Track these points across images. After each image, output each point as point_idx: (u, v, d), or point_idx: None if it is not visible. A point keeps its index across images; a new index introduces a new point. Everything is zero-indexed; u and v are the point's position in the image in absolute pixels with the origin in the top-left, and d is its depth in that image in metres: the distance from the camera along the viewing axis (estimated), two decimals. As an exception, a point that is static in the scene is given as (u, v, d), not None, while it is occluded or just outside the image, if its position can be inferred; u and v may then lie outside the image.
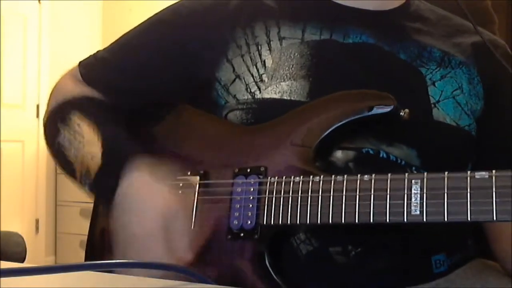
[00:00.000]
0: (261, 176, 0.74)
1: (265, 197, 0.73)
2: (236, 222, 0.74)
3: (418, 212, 0.64)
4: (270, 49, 0.84)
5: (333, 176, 0.69)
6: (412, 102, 0.75)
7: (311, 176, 0.71)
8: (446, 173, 0.64)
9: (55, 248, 4.13)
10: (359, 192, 0.67)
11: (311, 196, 0.70)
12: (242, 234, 0.74)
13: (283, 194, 0.72)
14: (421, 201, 0.64)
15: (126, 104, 0.92)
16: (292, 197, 0.71)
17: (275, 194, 0.72)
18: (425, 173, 0.65)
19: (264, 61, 0.83)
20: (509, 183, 0.60)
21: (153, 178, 0.78)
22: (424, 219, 0.64)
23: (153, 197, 0.77)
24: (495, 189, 0.61)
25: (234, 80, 0.84)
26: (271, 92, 0.81)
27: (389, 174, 0.67)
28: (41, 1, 4.04)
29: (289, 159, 0.75)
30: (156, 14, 0.93)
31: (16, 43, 3.86)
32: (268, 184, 0.73)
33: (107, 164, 0.80)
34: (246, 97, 0.82)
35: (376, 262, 0.77)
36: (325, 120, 0.75)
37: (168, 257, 0.73)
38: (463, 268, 0.83)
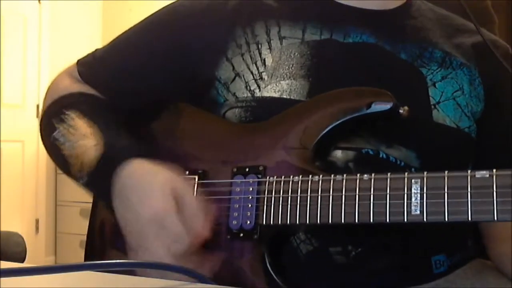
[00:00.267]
0: (260, 176, 0.74)
1: (264, 197, 0.73)
2: (235, 222, 0.74)
3: (418, 212, 0.64)
4: (270, 48, 0.84)
5: (332, 175, 0.69)
6: (412, 102, 0.74)
7: (310, 176, 0.70)
8: (446, 172, 0.63)
9: (55, 248, 4.13)
10: (358, 192, 0.67)
11: (310, 196, 0.70)
12: (241, 234, 0.74)
13: (282, 193, 0.72)
14: (421, 200, 0.64)
15: (125, 103, 0.91)
16: (292, 197, 0.71)
17: (274, 194, 0.72)
18: (425, 173, 0.65)
19: (264, 60, 0.83)
20: (510, 182, 0.60)
21: (154, 163, 0.77)
22: (425, 219, 0.63)
23: (158, 175, 0.75)
24: (496, 188, 0.61)
25: (234, 78, 0.84)
26: (270, 90, 0.81)
27: (389, 174, 0.66)
28: (41, 1, 4.04)
29: (288, 158, 0.75)
30: (155, 13, 0.93)
31: (16, 43, 3.86)
32: (267, 184, 0.73)
33: (103, 156, 0.79)
34: (245, 95, 0.82)
35: (376, 262, 0.77)
36: (323, 118, 0.75)
37: (185, 232, 0.71)
38: (463, 268, 0.83)
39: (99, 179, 0.79)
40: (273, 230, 0.73)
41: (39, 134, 0.92)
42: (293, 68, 0.82)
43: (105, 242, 0.90)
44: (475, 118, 0.85)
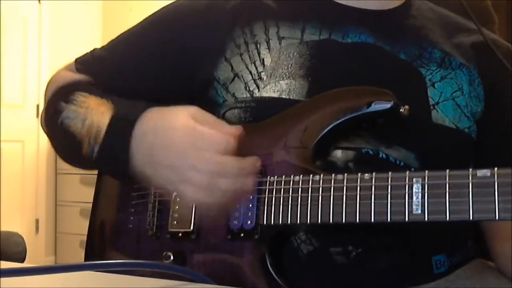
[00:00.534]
0: (260, 176, 0.74)
1: (265, 197, 0.73)
2: (236, 222, 0.74)
3: (419, 211, 0.63)
4: (269, 48, 0.83)
5: (333, 175, 0.69)
6: (411, 103, 0.74)
7: (311, 175, 0.70)
8: (447, 171, 0.63)
9: (55, 248, 4.13)
10: (359, 191, 0.67)
11: (311, 196, 0.69)
12: (242, 234, 0.74)
13: (283, 193, 0.71)
14: (423, 200, 0.63)
15: None
16: (292, 197, 0.71)
17: (275, 194, 0.72)
18: (426, 172, 0.64)
19: (263, 60, 0.83)
20: (511, 181, 0.60)
21: (170, 108, 0.75)
22: (426, 218, 0.63)
23: (176, 112, 0.73)
24: (497, 187, 0.60)
25: (233, 79, 0.84)
26: (269, 90, 0.81)
27: (390, 173, 0.66)
28: (41, 1, 4.04)
29: (288, 158, 0.74)
30: (154, 13, 0.93)
31: (16, 43, 3.86)
32: (267, 184, 0.73)
33: (119, 114, 0.77)
34: (244, 96, 0.82)
35: (377, 263, 0.77)
36: (323, 118, 0.74)
37: (215, 145, 0.70)
38: (464, 268, 0.83)
39: (118, 137, 0.76)
40: (274, 230, 0.73)
41: (42, 123, 0.91)
42: (292, 68, 0.81)
43: (105, 242, 0.90)
44: (475, 119, 0.84)
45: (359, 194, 0.67)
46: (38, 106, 3.95)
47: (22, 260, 2.24)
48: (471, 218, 0.61)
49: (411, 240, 0.78)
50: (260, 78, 0.82)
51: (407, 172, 0.65)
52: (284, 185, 0.72)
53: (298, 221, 0.70)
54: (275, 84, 0.81)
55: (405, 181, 0.65)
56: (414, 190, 0.64)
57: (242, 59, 0.84)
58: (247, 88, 0.82)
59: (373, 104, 0.72)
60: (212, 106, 0.86)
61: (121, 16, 4.18)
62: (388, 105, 0.72)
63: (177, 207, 0.80)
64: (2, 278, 0.47)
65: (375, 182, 0.66)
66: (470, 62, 0.86)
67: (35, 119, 3.94)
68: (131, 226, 0.85)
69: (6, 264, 0.59)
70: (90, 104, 0.80)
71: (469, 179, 0.62)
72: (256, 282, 0.72)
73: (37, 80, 3.98)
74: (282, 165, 0.74)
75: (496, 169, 0.61)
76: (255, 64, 0.83)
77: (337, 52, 0.83)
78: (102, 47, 0.95)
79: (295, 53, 0.82)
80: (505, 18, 2.56)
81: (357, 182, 0.67)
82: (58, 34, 4.12)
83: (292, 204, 0.71)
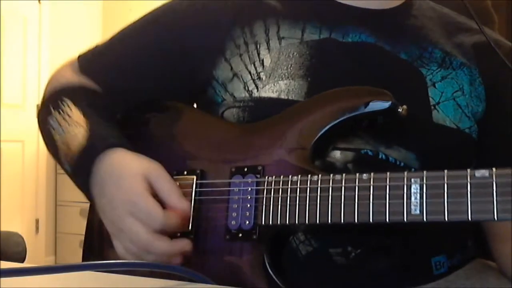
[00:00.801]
0: (258, 176, 0.74)
1: (263, 197, 0.72)
2: (234, 222, 0.74)
3: (418, 212, 0.63)
4: (268, 48, 0.83)
5: (331, 175, 0.69)
6: (411, 103, 0.73)
7: (309, 175, 0.70)
8: (446, 171, 0.63)
9: (55, 248, 4.13)
10: (358, 191, 0.66)
11: (309, 196, 0.69)
12: (240, 235, 0.73)
13: (281, 193, 0.71)
14: (421, 200, 0.63)
15: (123, 99, 0.92)
16: (291, 197, 0.70)
17: (273, 194, 0.72)
18: (425, 172, 0.64)
19: (263, 60, 0.83)
20: (510, 181, 0.60)
21: (134, 154, 0.77)
22: (424, 219, 0.63)
23: (133, 164, 0.76)
24: (496, 187, 0.60)
25: (232, 78, 0.84)
26: (268, 90, 0.81)
27: (388, 173, 0.66)
28: (41, 1, 4.04)
29: (287, 158, 0.74)
30: (154, 10, 0.93)
31: (16, 43, 3.86)
32: (265, 184, 0.73)
33: (87, 144, 0.79)
34: (243, 95, 0.82)
35: (376, 263, 0.77)
36: (321, 118, 0.74)
37: (151, 222, 0.71)
38: (464, 268, 0.83)
39: (81, 166, 0.80)
40: (272, 230, 0.73)
41: (38, 119, 0.93)
42: (291, 68, 0.81)
43: (103, 241, 0.90)
44: (476, 119, 0.84)
45: (358, 195, 0.66)
46: (38, 106, 3.91)
47: (22, 260, 2.24)
48: (469, 218, 0.61)
49: (410, 241, 0.78)
50: (259, 78, 0.82)
51: (406, 173, 0.65)
52: (282, 185, 0.71)
53: (297, 222, 0.70)
54: (274, 84, 0.81)
55: (404, 181, 0.64)
56: (412, 190, 0.64)
57: (241, 59, 0.84)
58: (246, 88, 0.82)
59: (371, 104, 0.72)
60: (210, 105, 0.86)
61: (121, 16, 4.18)
62: (386, 105, 0.72)
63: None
64: (2, 278, 0.47)
65: (373, 182, 0.66)
66: (471, 61, 0.86)
67: (35, 119, 3.89)
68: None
69: (6, 264, 0.59)
70: (72, 119, 0.83)
71: (467, 179, 0.61)
72: (255, 283, 0.72)
73: (37, 80, 3.98)
74: (281, 165, 0.74)
75: (494, 169, 0.61)
76: (254, 65, 0.83)
77: (337, 52, 0.83)
78: (104, 42, 0.95)
79: (295, 53, 0.82)
80: (505, 18, 2.56)
81: (355, 182, 0.67)
82: (58, 34, 4.12)
83: (291, 204, 0.70)
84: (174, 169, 0.79)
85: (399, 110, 0.72)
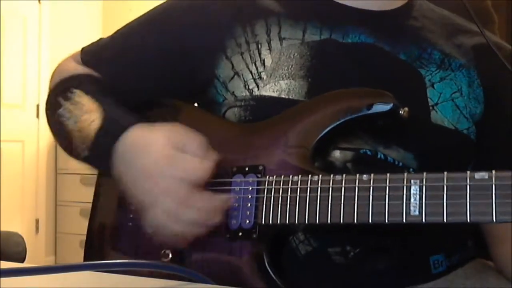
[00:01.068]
0: (259, 175, 0.74)
1: (264, 196, 0.73)
2: (235, 222, 0.74)
3: (417, 213, 0.63)
4: (270, 49, 0.84)
5: (331, 175, 0.69)
6: (410, 103, 0.74)
7: (309, 176, 0.70)
8: (445, 173, 0.63)
9: (55, 248, 4.13)
10: (358, 192, 0.67)
11: (309, 196, 0.69)
12: (240, 234, 0.74)
13: (282, 193, 0.71)
14: (420, 201, 0.63)
15: (124, 100, 0.92)
16: (291, 197, 0.71)
17: (274, 194, 0.72)
18: (424, 173, 0.64)
19: (264, 60, 0.83)
20: (509, 183, 0.60)
21: (155, 126, 0.77)
22: (423, 220, 0.63)
23: (157, 132, 0.76)
24: (495, 189, 0.60)
25: (233, 77, 0.84)
26: (269, 90, 0.81)
27: (388, 174, 0.66)
28: (41, 1, 4.04)
29: (288, 158, 0.74)
30: (156, 7, 0.93)
31: (16, 43, 3.86)
32: (266, 183, 0.73)
33: (107, 126, 0.80)
34: (244, 94, 0.82)
35: (375, 263, 0.77)
36: (323, 118, 0.74)
37: (185, 177, 0.72)
38: (463, 268, 0.83)
39: (102, 148, 0.79)
40: (272, 230, 0.73)
41: (44, 113, 0.92)
42: (292, 68, 0.82)
43: (105, 241, 0.90)
44: (474, 120, 0.84)
45: (357, 195, 0.67)
46: (38, 106, 3.95)
47: (22, 260, 2.24)
48: (468, 220, 0.61)
49: (409, 240, 0.78)
50: (260, 77, 0.82)
51: (405, 174, 0.65)
52: (283, 185, 0.72)
53: (297, 221, 0.70)
54: (274, 84, 0.81)
55: (403, 182, 0.65)
56: (412, 191, 0.64)
57: (243, 58, 0.84)
58: (247, 86, 0.82)
59: (373, 105, 0.72)
60: (212, 104, 0.86)
61: (121, 16, 4.18)
62: (388, 107, 0.72)
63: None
64: (2, 278, 0.47)
65: (373, 183, 0.66)
66: (470, 63, 0.86)
67: (35, 119, 3.94)
68: (130, 224, 0.85)
69: (6, 264, 0.59)
70: (84, 106, 0.83)
71: (467, 181, 0.62)
72: (254, 282, 0.72)
73: (37, 80, 3.98)
74: (281, 165, 0.74)
75: (494, 171, 0.61)
76: (255, 64, 0.83)
77: (337, 52, 0.83)
78: (107, 37, 0.96)
79: (295, 54, 0.82)
80: (505, 18, 2.56)
81: (355, 183, 0.67)
82: (58, 34, 4.12)
83: (291, 204, 0.71)
84: None
85: (400, 112, 0.72)
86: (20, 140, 3.89)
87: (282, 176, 0.72)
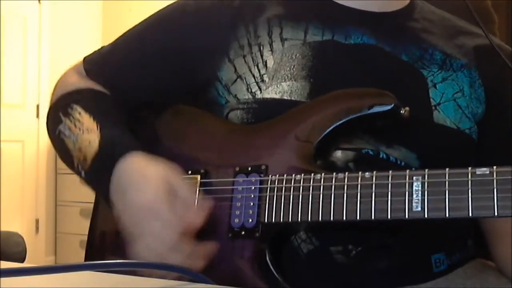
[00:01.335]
0: (262, 175, 0.75)
1: (266, 195, 0.73)
2: (237, 221, 0.74)
3: (419, 209, 0.64)
4: (272, 50, 0.84)
5: (334, 173, 0.69)
6: (412, 103, 0.74)
7: (312, 174, 0.71)
8: (447, 169, 0.64)
9: (55, 248, 4.13)
10: (360, 189, 0.67)
11: (312, 194, 0.70)
12: (243, 232, 0.74)
13: (284, 192, 0.72)
14: (423, 197, 0.64)
15: (130, 100, 0.92)
16: (293, 195, 0.71)
17: (276, 192, 0.72)
18: (426, 170, 0.65)
19: (266, 62, 0.83)
20: (510, 178, 0.61)
21: (151, 158, 0.78)
22: (426, 215, 0.64)
23: (153, 169, 0.76)
24: (496, 184, 0.61)
25: (236, 80, 0.84)
26: (271, 92, 0.81)
27: (390, 171, 0.67)
28: (41, 1, 4.04)
29: (290, 158, 0.75)
30: (160, 11, 0.93)
31: (16, 43, 3.86)
32: (269, 183, 0.73)
33: (103, 151, 0.80)
34: (246, 97, 0.82)
35: (376, 261, 0.77)
36: (325, 118, 0.75)
37: (177, 219, 0.72)
38: (463, 267, 0.83)
39: (99, 173, 0.80)
40: (275, 228, 0.73)
41: (46, 127, 0.92)
42: (294, 69, 0.82)
43: (106, 241, 0.90)
44: (476, 120, 0.84)
45: (360, 192, 0.67)
46: (38, 106, 3.95)
47: (22, 260, 2.24)
48: (470, 214, 0.62)
49: (410, 239, 0.78)
50: (262, 80, 0.82)
51: (408, 171, 0.66)
52: (285, 183, 0.72)
53: (299, 219, 0.70)
54: (277, 86, 0.81)
55: (405, 179, 0.65)
56: (414, 188, 0.65)
57: (245, 61, 0.84)
58: (249, 89, 0.83)
59: (374, 106, 0.73)
60: (213, 106, 0.86)
61: (121, 16, 4.18)
62: (388, 107, 0.73)
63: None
64: (2, 278, 0.47)
65: (375, 180, 0.67)
66: (471, 63, 0.86)
67: (35, 119, 3.94)
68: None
69: (6, 264, 0.59)
70: (83, 124, 0.83)
71: (468, 177, 0.63)
72: (256, 281, 0.72)
73: (37, 80, 3.98)
74: (284, 164, 0.75)
75: (495, 167, 0.62)
76: (257, 67, 0.83)
77: (339, 53, 0.83)
78: (109, 44, 0.96)
79: (297, 55, 0.83)
80: (505, 18, 2.56)
81: (357, 181, 0.67)
82: (58, 34, 4.12)
83: (293, 202, 0.71)
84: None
85: (401, 112, 0.73)
86: (20, 140, 3.89)
87: (285, 175, 0.72)
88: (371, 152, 0.77)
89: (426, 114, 0.81)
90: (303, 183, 0.71)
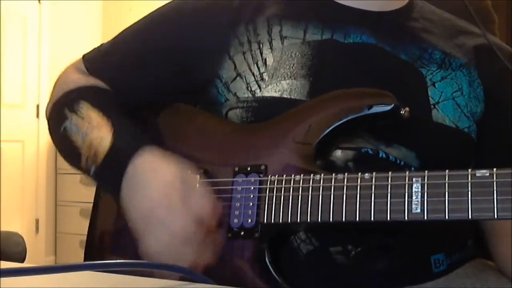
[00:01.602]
0: (261, 175, 0.75)
1: (266, 196, 0.73)
2: (237, 221, 0.74)
3: (419, 210, 0.64)
4: (271, 48, 0.84)
5: (333, 174, 0.69)
6: (412, 102, 0.74)
7: (311, 175, 0.71)
8: (447, 171, 0.64)
9: (55, 248, 4.13)
10: (359, 190, 0.67)
11: (311, 195, 0.70)
12: (242, 233, 0.74)
13: (284, 192, 0.72)
14: (422, 199, 0.64)
15: (130, 97, 0.92)
16: (293, 196, 0.71)
17: (276, 193, 0.72)
18: (426, 171, 0.65)
19: (265, 60, 0.83)
20: (510, 180, 0.61)
21: (165, 153, 0.78)
22: (425, 217, 0.64)
23: (167, 164, 0.77)
24: (496, 187, 0.61)
25: (235, 78, 0.84)
26: (271, 90, 0.81)
27: (390, 172, 0.67)
28: (41, 1, 4.04)
29: (289, 157, 0.75)
30: (159, 8, 0.93)
31: (16, 43, 3.86)
32: (268, 183, 0.73)
33: (116, 146, 0.79)
34: (246, 95, 0.82)
35: (376, 262, 0.77)
36: (325, 118, 0.75)
37: (189, 217, 0.73)
38: (463, 267, 0.83)
39: (112, 168, 0.79)
40: (274, 229, 0.73)
41: (46, 125, 0.92)
42: (293, 68, 0.82)
43: (105, 241, 0.90)
44: (475, 119, 0.85)
45: (359, 193, 0.67)
46: (38, 106, 3.95)
47: (22, 260, 2.24)
48: (470, 217, 0.62)
49: (410, 240, 0.78)
50: (262, 78, 0.82)
51: (407, 172, 0.66)
52: (285, 184, 0.72)
53: (299, 220, 0.70)
54: (276, 84, 0.81)
55: (405, 180, 0.65)
56: (413, 189, 0.65)
57: (245, 58, 0.84)
58: (249, 88, 0.83)
59: (374, 106, 0.73)
60: (213, 105, 0.86)
61: (121, 16, 4.18)
62: (388, 108, 0.73)
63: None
64: (2, 278, 0.47)
65: (375, 181, 0.67)
66: (471, 63, 0.87)
67: (35, 119, 3.94)
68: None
69: (6, 264, 0.59)
70: (92, 120, 0.82)
71: (468, 178, 0.62)
72: (256, 280, 0.72)
73: (37, 80, 3.98)
74: (283, 164, 0.75)
75: (495, 169, 0.62)
76: (257, 65, 0.83)
77: (339, 52, 0.84)
78: (108, 41, 0.95)
79: (297, 53, 0.83)
80: (505, 18, 2.56)
81: (357, 182, 0.67)
82: (58, 34, 4.12)
83: (293, 202, 0.71)
84: None
85: (401, 112, 0.73)
86: (20, 140, 3.89)
87: (284, 175, 0.72)
88: (370, 151, 0.77)
89: (425, 113, 0.81)
90: (302, 183, 0.71)
